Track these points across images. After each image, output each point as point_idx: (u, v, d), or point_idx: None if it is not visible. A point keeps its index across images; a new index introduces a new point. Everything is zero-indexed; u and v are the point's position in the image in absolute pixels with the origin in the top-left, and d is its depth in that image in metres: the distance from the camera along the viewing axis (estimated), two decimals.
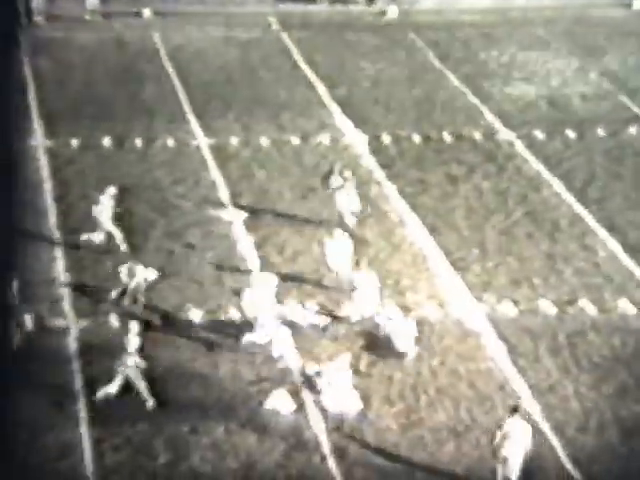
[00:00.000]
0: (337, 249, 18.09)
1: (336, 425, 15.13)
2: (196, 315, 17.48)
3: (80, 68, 28.41)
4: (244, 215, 20.87)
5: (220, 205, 21.31)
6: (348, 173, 20.53)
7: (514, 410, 14.12)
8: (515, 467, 13.94)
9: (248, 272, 18.67)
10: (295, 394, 15.50)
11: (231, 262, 19.14)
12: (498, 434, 13.88)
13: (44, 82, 27.26)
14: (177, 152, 23.85)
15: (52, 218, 20.47)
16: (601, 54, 30.77)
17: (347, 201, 19.92)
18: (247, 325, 17.07)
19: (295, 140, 24.66)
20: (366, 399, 15.53)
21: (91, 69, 28.40)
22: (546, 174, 23.15)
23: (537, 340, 17.08)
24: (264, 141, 24.64)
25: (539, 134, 25.24)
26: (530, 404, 15.56)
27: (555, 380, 16.13)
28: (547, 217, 21.24)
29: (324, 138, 24.71)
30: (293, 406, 15.32)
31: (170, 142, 24.32)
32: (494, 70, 29.40)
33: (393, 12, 33.58)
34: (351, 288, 17.35)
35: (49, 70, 28.11)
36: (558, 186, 22.55)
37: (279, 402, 15.32)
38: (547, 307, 18.00)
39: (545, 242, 20.22)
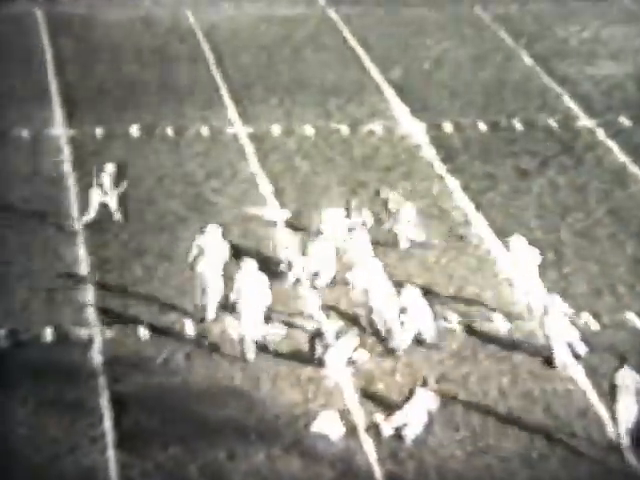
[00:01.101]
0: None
1: (391, 452, 15.10)
2: (233, 326, 17.52)
3: (105, 49, 28.75)
4: (287, 213, 20.93)
5: (260, 202, 21.38)
6: (366, 212, 19.51)
7: (623, 360, 14.98)
8: (630, 420, 14.97)
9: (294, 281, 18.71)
10: (345, 417, 15.49)
11: (272, 267, 19.18)
12: (610, 387, 14.90)
13: (66, 64, 27.62)
14: (212, 142, 24.01)
15: (75, 214, 20.73)
16: None
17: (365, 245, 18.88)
18: (291, 335, 17.14)
19: (344, 129, 24.67)
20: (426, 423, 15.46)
21: (117, 50, 28.72)
22: (633, 167, 22.89)
23: (623, 359, 16.81)
24: (309, 130, 24.68)
25: (625, 120, 24.96)
26: (615, 433, 15.35)
27: None
28: (634, 216, 21.01)
29: (377, 127, 24.69)
30: (343, 430, 15.32)
31: (204, 131, 24.48)
32: (573, 48, 29.16)
33: None
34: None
35: (71, 51, 28.48)
36: None
37: (327, 425, 15.32)
38: (634, 320, 17.77)
39: (631, 245, 19.99)
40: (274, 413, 15.66)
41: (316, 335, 16.66)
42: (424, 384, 15.41)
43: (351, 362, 16.40)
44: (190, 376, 16.34)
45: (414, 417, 15.14)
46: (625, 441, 15.16)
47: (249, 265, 17.01)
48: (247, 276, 16.87)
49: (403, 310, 16.80)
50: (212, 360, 16.71)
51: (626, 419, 15.06)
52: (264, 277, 17.04)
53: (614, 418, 15.12)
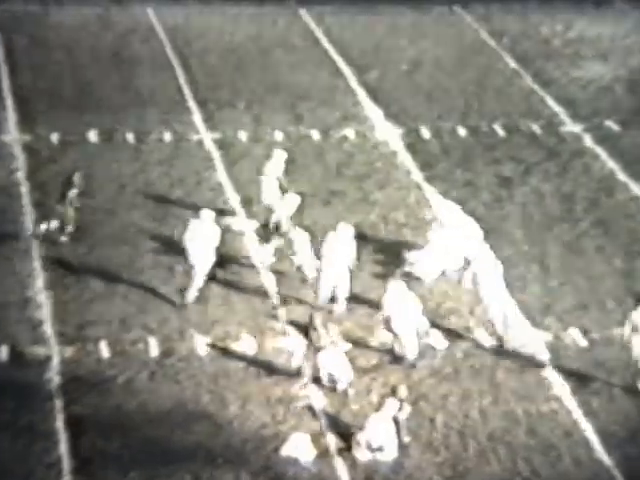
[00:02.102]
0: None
1: (366, 476, 15.23)
2: (200, 343, 17.70)
3: (61, 50, 28.81)
4: (256, 224, 21.08)
5: (228, 212, 21.51)
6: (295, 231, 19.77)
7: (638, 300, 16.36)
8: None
9: (262, 293, 18.89)
10: (317, 439, 15.63)
11: (242, 280, 19.34)
12: (627, 328, 16.37)
13: (19, 66, 27.65)
14: (176, 148, 24.14)
15: (30, 227, 20.78)
16: None
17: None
18: (260, 354, 17.28)
19: (316, 135, 24.87)
20: (403, 445, 15.62)
21: (74, 51, 28.80)
22: (621, 174, 23.20)
23: (611, 376, 17.10)
24: (278, 135, 24.86)
25: (613, 125, 25.31)
26: (604, 455, 15.58)
27: (636, 426, 16.09)
28: (622, 226, 21.28)
29: (350, 132, 24.91)
30: (314, 453, 15.46)
31: (167, 136, 24.60)
32: (558, 48, 29.53)
33: None
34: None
35: (24, 52, 28.51)
36: (636, 189, 22.59)
37: (298, 448, 15.46)
38: (623, 336, 18.01)
39: (620, 257, 20.24)
40: (242, 436, 15.77)
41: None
42: (394, 393, 15.60)
43: (332, 380, 16.54)
44: (153, 397, 16.43)
45: (382, 429, 15.30)
46: None
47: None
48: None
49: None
50: (176, 380, 16.82)
51: None
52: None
53: (635, 360, 16.45)
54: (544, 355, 17.54)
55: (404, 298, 17.18)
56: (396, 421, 15.46)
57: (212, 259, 18.56)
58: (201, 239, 18.42)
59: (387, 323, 17.18)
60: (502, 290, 18.17)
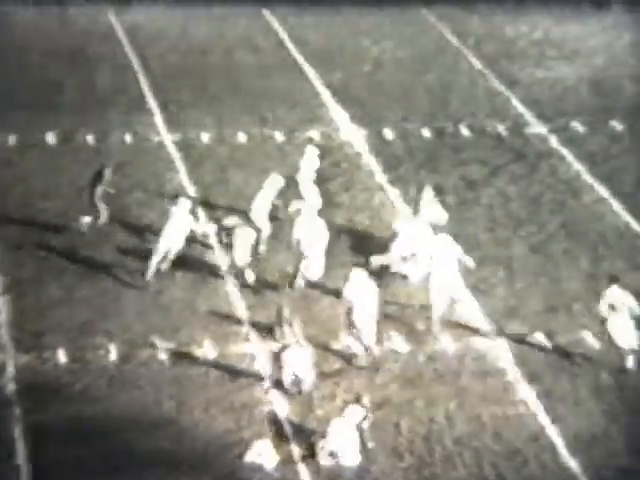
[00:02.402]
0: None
1: None
2: (162, 348, 17.68)
3: (17, 50, 28.65)
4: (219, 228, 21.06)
5: (190, 215, 21.46)
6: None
7: (613, 280, 17.04)
8: (625, 337, 16.98)
9: (224, 295, 18.90)
10: (281, 445, 15.66)
11: (205, 283, 19.34)
12: (602, 307, 17.05)
13: None
14: (136, 150, 24.07)
15: None
16: None
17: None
18: (223, 359, 17.29)
19: (279, 136, 24.90)
20: (367, 451, 15.67)
21: (31, 51, 28.64)
22: (587, 176, 23.39)
23: (576, 380, 17.23)
24: (242, 137, 24.87)
25: (579, 127, 25.50)
26: (569, 459, 15.72)
27: (601, 430, 16.21)
28: (589, 229, 21.45)
29: (314, 133, 24.96)
30: (278, 459, 15.48)
31: (128, 138, 24.54)
32: (523, 49, 29.72)
33: None
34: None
35: None
36: (602, 190, 22.78)
37: (262, 454, 15.48)
38: (589, 339, 18.14)
39: (586, 260, 20.39)
40: (205, 442, 15.76)
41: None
42: (357, 401, 15.65)
43: (296, 382, 16.58)
44: (113, 404, 16.39)
45: (345, 435, 15.35)
46: (631, 364, 16.85)
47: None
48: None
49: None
50: (137, 386, 16.80)
51: (627, 341, 16.75)
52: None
53: (611, 342, 17.05)
54: (509, 359, 17.66)
55: (365, 288, 17.31)
56: (359, 428, 15.52)
57: (179, 245, 19.15)
58: (174, 224, 19.16)
59: (348, 313, 17.28)
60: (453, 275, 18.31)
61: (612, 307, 17.05)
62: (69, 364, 17.25)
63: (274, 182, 20.70)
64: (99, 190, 20.51)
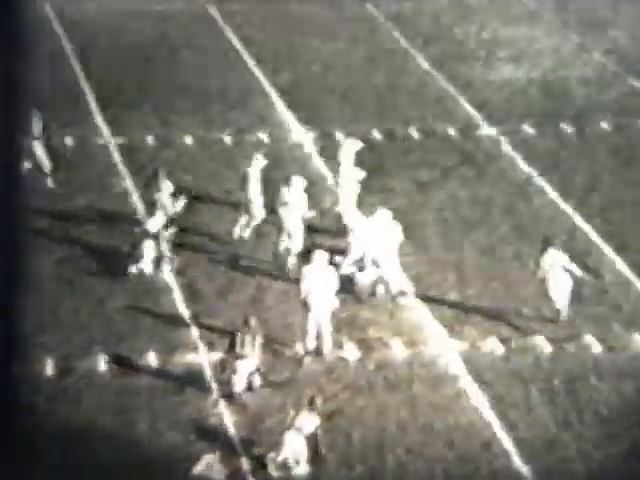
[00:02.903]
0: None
1: None
2: (104, 360, 17.41)
3: None
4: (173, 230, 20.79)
5: (133, 221, 21.20)
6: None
7: (546, 243, 18.50)
8: (564, 297, 18.35)
9: (170, 304, 18.67)
10: (229, 459, 15.48)
11: (148, 292, 19.08)
12: (540, 272, 18.44)
13: None
14: (77, 153, 23.77)
15: None
16: (604, 28, 31.32)
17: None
18: (167, 371, 17.08)
19: (227, 139, 24.70)
20: (319, 460, 15.53)
21: None
22: (538, 179, 23.45)
23: (529, 386, 17.23)
24: (188, 140, 24.64)
25: (529, 129, 25.58)
26: (522, 466, 15.71)
27: (553, 436, 16.20)
28: (540, 232, 21.46)
29: (263, 135, 24.79)
30: (226, 473, 15.31)
31: (68, 141, 24.22)
32: (473, 50, 29.77)
33: None
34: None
35: None
36: (553, 193, 22.85)
37: (210, 468, 15.30)
38: (541, 344, 18.15)
39: (537, 263, 20.45)
40: (152, 457, 15.55)
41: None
42: (311, 404, 15.52)
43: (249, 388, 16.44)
44: (52, 419, 16.05)
45: (295, 444, 15.21)
46: (564, 315, 18.41)
47: None
48: None
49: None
50: (78, 401, 16.52)
51: (561, 296, 18.37)
52: None
53: (551, 298, 18.42)
54: (461, 366, 17.61)
55: (324, 272, 17.42)
56: (310, 435, 15.38)
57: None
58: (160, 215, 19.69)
59: (305, 297, 17.29)
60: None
61: (551, 266, 18.50)
62: None
63: (258, 164, 20.60)
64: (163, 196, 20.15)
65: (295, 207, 19.72)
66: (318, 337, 17.41)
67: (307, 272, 17.49)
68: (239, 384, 16.44)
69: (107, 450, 15.57)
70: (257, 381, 16.61)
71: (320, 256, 17.63)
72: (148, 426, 16.07)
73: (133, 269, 19.31)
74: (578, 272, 18.52)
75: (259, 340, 16.66)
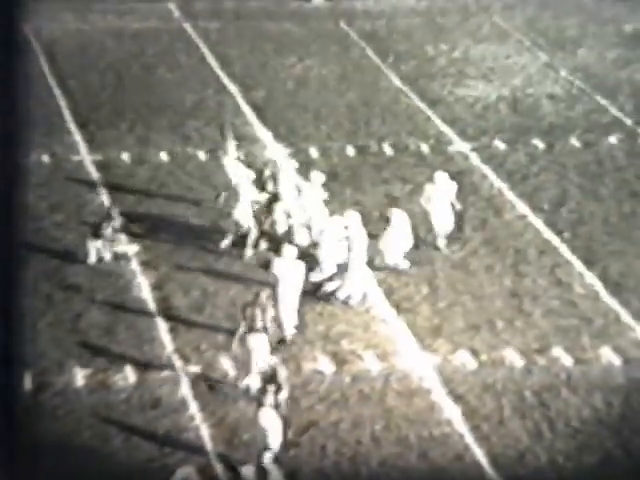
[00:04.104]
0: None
1: None
2: (80, 375, 17.25)
3: None
4: (138, 247, 20.70)
5: (109, 236, 21.05)
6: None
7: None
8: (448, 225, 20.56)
9: (146, 318, 18.55)
10: (205, 471, 15.37)
11: (124, 307, 18.96)
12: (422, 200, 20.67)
13: None
14: (54, 170, 23.62)
15: None
16: (573, 47, 31.53)
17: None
18: (143, 385, 16.96)
19: (202, 155, 24.61)
20: (293, 474, 15.45)
21: None
22: (508, 193, 23.49)
23: (501, 399, 17.19)
24: (164, 156, 24.54)
25: (499, 145, 25.64)
26: (494, 478, 15.66)
27: (524, 448, 16.16)
28: (510, 246, 21.50)
29: (238, 152, 24.70)
30: None
31: (45, 158, 24.06)
32: (444, 68, 29.86)
33: None
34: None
35: None
36: (523, 208, 22.89)
37: None
38: (512, 357, 18.13)
39: (509, 277, 20.42)
40: (128, 471, 15.42)
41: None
42: (272, 379, 15.64)
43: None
44: (26, 433, 15.84)
45: (270, 423, 15.25)
46: (441, 244, 20.61)
47: None
48: None
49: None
50: (54, 417, 16.35)
51: (444, 226, 20.65)
52: None
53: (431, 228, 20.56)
54: (434, 378, 17.57)
55: (292, 265, 17.85)
56: (277, 405, 15.39)
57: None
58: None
59: (273, 288, 17.58)
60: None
61: (429, 199, 20.71)
62: None
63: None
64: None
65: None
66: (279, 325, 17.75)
67: (276, 264, 17.99)
68: (255, 358, 16.41)
69: (83, 464, 15.42)
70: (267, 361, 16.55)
71: (289, 250, 18.15)
72: (123, 441, 15.93)
73: (92, 258, 19.78)
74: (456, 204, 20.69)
75: (270, 314, 16.88)
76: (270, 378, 15.81)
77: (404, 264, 20.25)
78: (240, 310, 17.25)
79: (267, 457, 15.27)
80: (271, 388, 15.56)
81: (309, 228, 20.69)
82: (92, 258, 19.95)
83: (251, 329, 16.70)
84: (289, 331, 17.87)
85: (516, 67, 29.94)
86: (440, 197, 20.85)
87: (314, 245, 19.97)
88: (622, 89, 28.54)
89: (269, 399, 15.51)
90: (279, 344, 17.62)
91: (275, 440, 15.26)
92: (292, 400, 16.75)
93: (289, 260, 18.07)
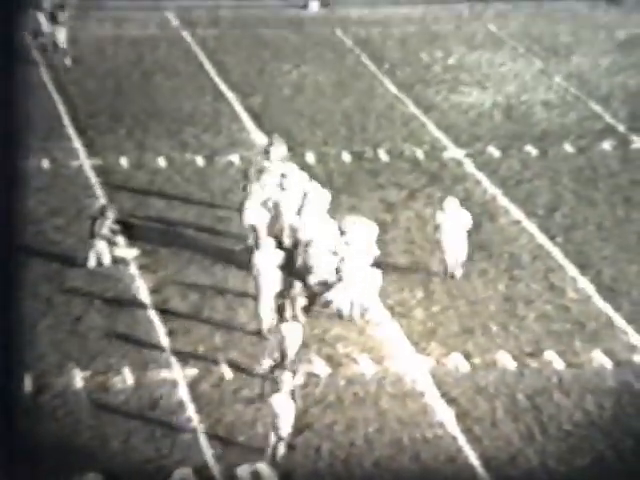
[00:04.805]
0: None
1: None
2: (79, 377, 17.36)
3: None
4: (137, 252, 20.81)
5: (106, 234, 21.13)
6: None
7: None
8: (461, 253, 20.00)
9: (144, 321, 18.65)
10: (202, 472, 15.46)
11: (123, 310, 19.07)
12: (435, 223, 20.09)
13: None
14: (54, 175, 23.71)
15: None
16: (566, 54, 31.66)
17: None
18: (142, 387, 17.05)
19: (200, 160, 24.72)
20: (287, 476, 15.54)
21: None
22: (502, 199, 23.60)
23: (493, 401, 17.29)
24: (162, 162, 24.65)
25: (493, 151, 25.75)
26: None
27: (517, 450, 16.26)
28: (504, 251, 21.60)
29: (235, 157, 24.84)
30: None
31: (45, 163, 24.16)
32: (438, 74, 29.98)
33: (315, 5, 34.15)
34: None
35: None
36: (517, 213, 23.00)
37: None
38: (505, 361, 18.22)
39: (502, 281, 20.52)
40: (125, 472, 15.49)
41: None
42: (282, 359, 16.37)
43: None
44: (26, 435, 15.89)
45: (285, 409, 15.68)
46: (458, 273, 20.07)
47: None
48: None
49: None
50: (53, 417, 16.44)
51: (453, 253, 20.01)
52: None
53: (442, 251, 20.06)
54: (427, 381, 17.67)
55: (272, 256, 18.51)
56: (292, 392, 15.83)
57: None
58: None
59: (256, 279, 18.24)
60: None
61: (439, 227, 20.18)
62: None
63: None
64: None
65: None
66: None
67: (257, 257, 18.59)
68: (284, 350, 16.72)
69: (81, 466, 15.51)
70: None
71: (268, 242, 18.88)
72: (122, 442, 16.02)
73: (92, 262, 19.99)
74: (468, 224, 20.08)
75: (300, 304, 17.42)
76: (287, 365, 16.25)
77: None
78: (274, 301, 17.87)
79: (281, 448, 15.46)
80: (287, 375, 15.79)
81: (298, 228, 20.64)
82: (92, 262, 20.05)
83: (282, 319, 17.16)
84: (268, 321, 18.11)
85: (510, 74, 30.08)
86: (452, 226, 20.08)
87: (306, 246, 20.01)
88: (615, 95, 28.68)
89: (285, 385, 15.76)
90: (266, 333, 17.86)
91: (286, 427, 15.45)
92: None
93: (269, 252, 18.60)
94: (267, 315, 18.15)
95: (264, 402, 16.81)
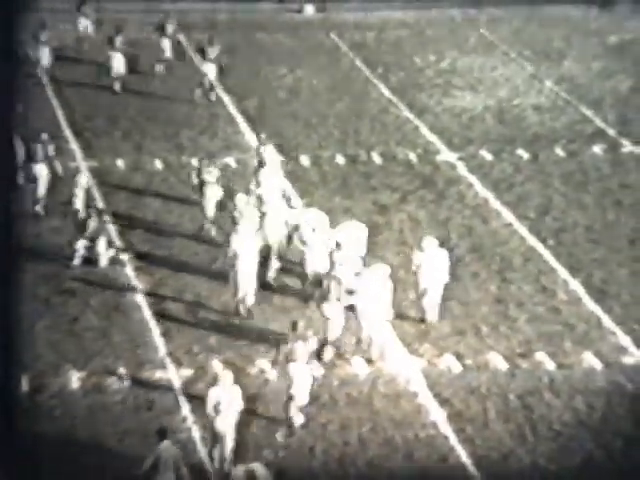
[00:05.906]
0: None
1: None
2: (75, 378, 17.35)
3: None
4: (129, 255, 20.80)
5: (95, 231, 21.12)
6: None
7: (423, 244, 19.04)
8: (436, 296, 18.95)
9: (140, 322, 18.65)
10: (198, 471, 15.46)
11: (119, 311, 19.06)
12: (413, 264, 18.96)
13: None
14: (51, 176, 23.66)
15: None
16: (558, 58, 31.73)
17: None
18: (137, 388, 17.04)
19: (196, 163, 24.71)
20: (281, 475, 15.54)
21: None
22: (494, 202, 23.64)
23: (485, 402, 17.32)
24: (158, 164, 24.65)
25: (486, 154, 25.80)
26: (478, 479, 15.80)
27: (508, 450, 16.30)
28: (496, 253, 21.64)
29: (231, 160, 24.85)
30: None
31: (43, 165, 24.09)
32: (431, 78, 30.03)
33: (311, 9, 34.20)
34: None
35: None
36: (509, 216, 23.04)
37: None
38: (497, 362, 18.25)
39: (494, 283, 20.56)
40: (121, 471, 15.46)
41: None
42: (293, 329, 16.71)
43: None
44: (23, 435, 15.88)
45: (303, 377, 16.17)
46: (429, 317, 18.95)
47: None
48: None
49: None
50: (50, 417, 16.41)
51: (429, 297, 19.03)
52: None
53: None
54: (420, 382, 17.69)
55: (250, 241, 19.03)
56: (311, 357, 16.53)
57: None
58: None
59: (233, 258, 18.79)
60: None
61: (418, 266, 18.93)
62: None
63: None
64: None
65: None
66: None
67: (234, 240, 18.89)
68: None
69: (78, 465, 15.50)
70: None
71: (246, 227, 19.22)
72: (117, 442, 16.01)
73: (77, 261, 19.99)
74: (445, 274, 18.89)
75: (343, 286, 18.22)
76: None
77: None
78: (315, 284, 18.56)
79: (298, 418, 15.96)
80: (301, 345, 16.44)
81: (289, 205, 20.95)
82: (77, 260, 19.94)
83: (324, 299, 17.76)
84: (250, 301, 18.63)
85: (502, 78, 30.14)
86: (429, 269, 18.80)
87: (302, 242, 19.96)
88: (606, 100, 28.75)
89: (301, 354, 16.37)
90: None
91: (304, 396, 16.04)
92: (283, 404, 16.87)
93: (246, 235, 18.97)
94: (249, 294, 18.61)
95: (258, 402, 16.84)
